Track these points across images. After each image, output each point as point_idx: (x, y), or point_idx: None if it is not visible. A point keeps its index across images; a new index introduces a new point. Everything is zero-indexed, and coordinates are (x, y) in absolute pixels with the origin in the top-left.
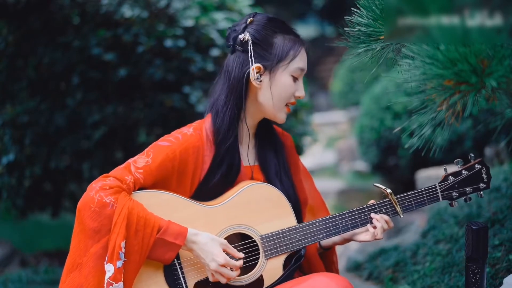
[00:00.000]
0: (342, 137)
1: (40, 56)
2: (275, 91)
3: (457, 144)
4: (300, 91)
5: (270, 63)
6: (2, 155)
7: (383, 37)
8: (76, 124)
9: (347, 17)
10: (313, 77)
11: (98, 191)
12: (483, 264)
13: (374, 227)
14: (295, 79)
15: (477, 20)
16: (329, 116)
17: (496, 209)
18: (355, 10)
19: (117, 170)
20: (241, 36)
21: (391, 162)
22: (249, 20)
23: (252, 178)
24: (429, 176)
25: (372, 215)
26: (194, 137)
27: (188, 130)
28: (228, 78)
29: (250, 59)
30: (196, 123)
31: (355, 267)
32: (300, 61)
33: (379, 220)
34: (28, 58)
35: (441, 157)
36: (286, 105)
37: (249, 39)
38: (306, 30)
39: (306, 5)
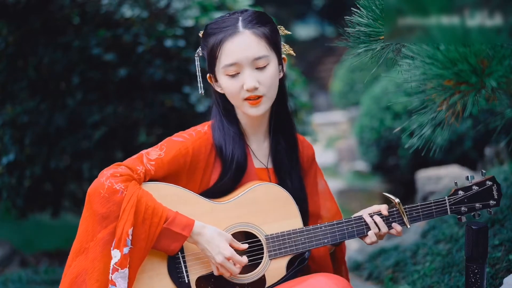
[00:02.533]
0: (342, 137)
1: (40, 56)
2: (225, 92)
3: (457, 144)
4: (246, 84)
5: (210, 70)
6: (2, 155)
7: (383, 37)
8: (76, 124)
9: (347, 17)
10: (313, 77)
11: (108, 178)
12: (483, 264)
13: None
14: (232, 76)
15: (477, 20)
16: (329, 116)
17: (496, 209)
18: (355, 10)
19: (130, 160)
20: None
21: (391, 162)
22: (200, 34)
23: (269, 180)
24: (429, 176)
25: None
26: (208, 135)
27: (202, 128)
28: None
29: (198, 73)
30: (210, 123)
31: (355, 267)
32: (225, 58)
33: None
34: (28, 58)
35: (441, 157)
36: (246, 99)
37: (198, 55)
38: (306, 30)
39: (306, 5)
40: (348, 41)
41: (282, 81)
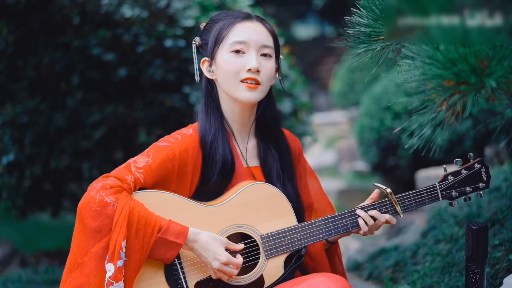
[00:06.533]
0: (342, 137)
1: (40, 56)
2: (220, 73)
3: (457, 144)
4: (250, 63)
5: (210, 51)
6: (2, 155)
7: (383, 37)
8: (76, 124)
9: (347, 17)
10: (313, 77)
11: (99, 191)
12: (483, 264)
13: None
14: (237, 53)
15: (477, 20)
16: (329, 116)
17: (496, 209)
18: (355, 10)
19: (118, 170)
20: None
21: (391, 162)
22: (201, 26)
23: (254, 179)
24: (429, 176)
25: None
26: (193, 137)
27: (187, 131)
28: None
29: (195, 60)
30: (196, 124)
31: (355, 267)
32: (235, 35)
33: (363, 217)
34: (28, 58)
35: (441, 157)
36: (243, 81)
37: (196, 43)
38: (306, 30)
39: (306, 5)
40: (348, 41)
41: (271, 86)
